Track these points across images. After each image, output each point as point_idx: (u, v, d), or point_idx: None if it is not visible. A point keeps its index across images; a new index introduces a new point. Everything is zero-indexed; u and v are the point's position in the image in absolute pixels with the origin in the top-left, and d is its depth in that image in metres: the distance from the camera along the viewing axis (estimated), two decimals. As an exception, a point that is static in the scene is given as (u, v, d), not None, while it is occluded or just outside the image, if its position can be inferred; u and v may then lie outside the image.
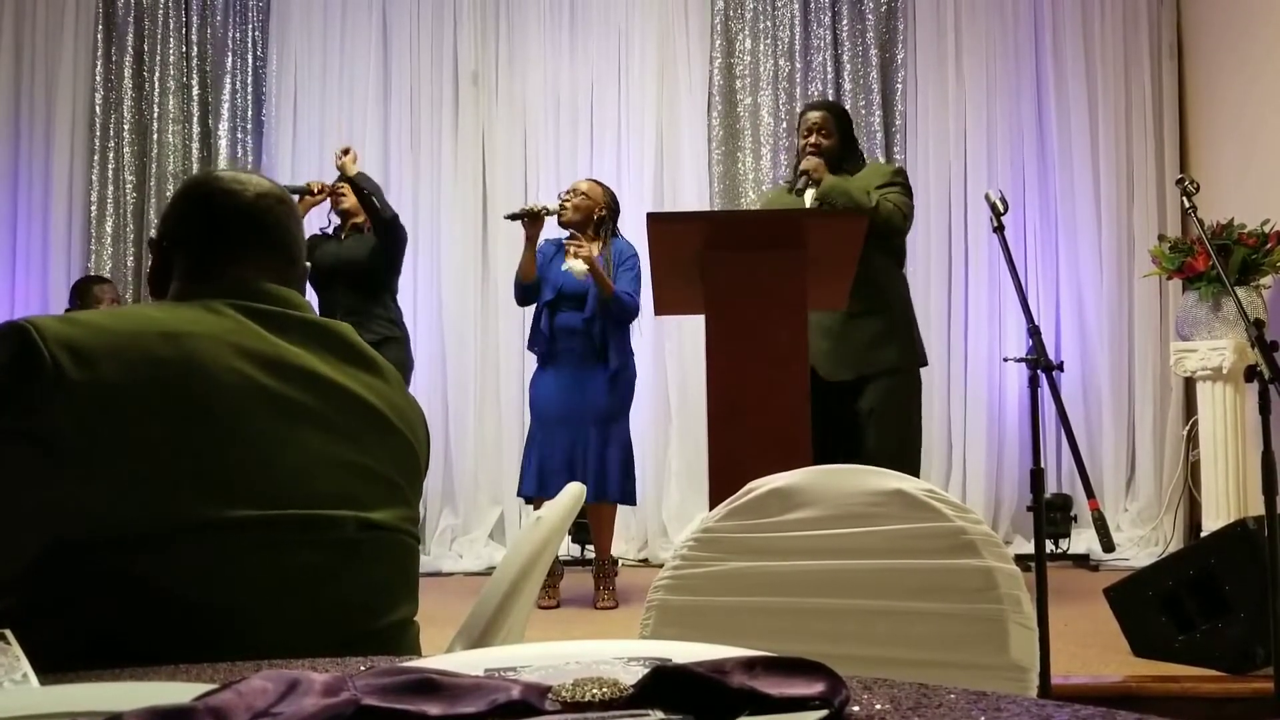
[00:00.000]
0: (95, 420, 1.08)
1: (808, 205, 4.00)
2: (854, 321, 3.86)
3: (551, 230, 4.67)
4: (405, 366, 4.59)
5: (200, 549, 1.09)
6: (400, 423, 1.28)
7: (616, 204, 4.71)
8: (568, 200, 4.59)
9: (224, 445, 1.13)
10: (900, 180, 4.07)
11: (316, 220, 4.77)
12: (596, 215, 4.57)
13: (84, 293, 5.29)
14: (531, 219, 4.52)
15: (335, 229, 4.65)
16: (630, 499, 4.55)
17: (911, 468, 4.00)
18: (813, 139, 4.08)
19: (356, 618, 1.18)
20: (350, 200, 4.58)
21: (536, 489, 4.37)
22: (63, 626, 1.08)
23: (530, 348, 4.64)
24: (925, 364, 4.20)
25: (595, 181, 4.75)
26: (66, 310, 5.27)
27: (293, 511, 1.14)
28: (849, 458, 3.99)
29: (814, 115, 4.15)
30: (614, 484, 4.42)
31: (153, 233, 1.46)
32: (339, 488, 1.18)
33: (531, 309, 4.68)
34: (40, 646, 0.87)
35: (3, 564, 1.11)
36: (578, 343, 4.44)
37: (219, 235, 1.31)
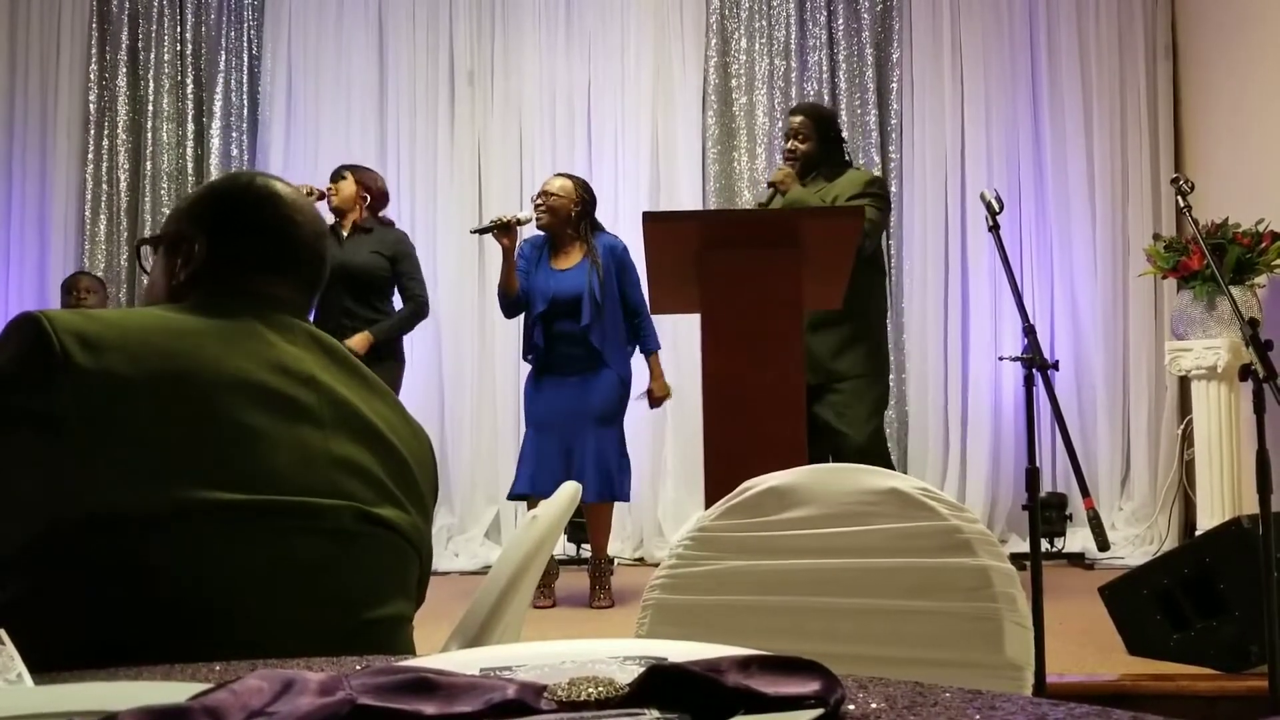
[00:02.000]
0: (99, 407, 1.10)
1: None
2: (817, 333, 3.87)
3: (530, 229, 4.63)
4: (398, 366, 4.57)
5: (196, 532, 1.11)
6: (399, 443, 1.28)
7: (592, 196, 4.60)
8: (540, 204, 4.50)
9: (223, 436, 1.14)
10: (874, 190, 4.03)
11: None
12: (573, 213, 4.48)
13: (69, 287, 5.30)
14: (502, 230, 4.37)
15: (335, 224, 4.59)
16: (625, 495, 4.55)
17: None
18: (789, 144, 4.11)
19: (349, 609, 1.19)
20: (338, 199, 4.55)
21: (531, 489, 4.35)
22: (60, 612, 1.09)
23: (525, 357, 4.61)
24: (888, 372, 4.25)
25: (565, 176, 4.62)
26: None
27: (290, 498, 1.15)
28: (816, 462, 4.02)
29: (793, 120, 4.17)
30: (616, 483, 4.42)
31: (157, 226, 1.40)
32: (336, 483, 1.20)
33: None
34: (37, 638, 0.87)
35: (2, 543, 1.12)
36: (576, 349, 4.40)
37: (266, 256, 1.31)
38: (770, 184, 3.99)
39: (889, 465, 4.10)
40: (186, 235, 1.33)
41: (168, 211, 1.38)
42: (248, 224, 1.33)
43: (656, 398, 4.59)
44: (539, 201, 4.52)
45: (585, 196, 4.54)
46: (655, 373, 4.58)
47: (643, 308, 4.45)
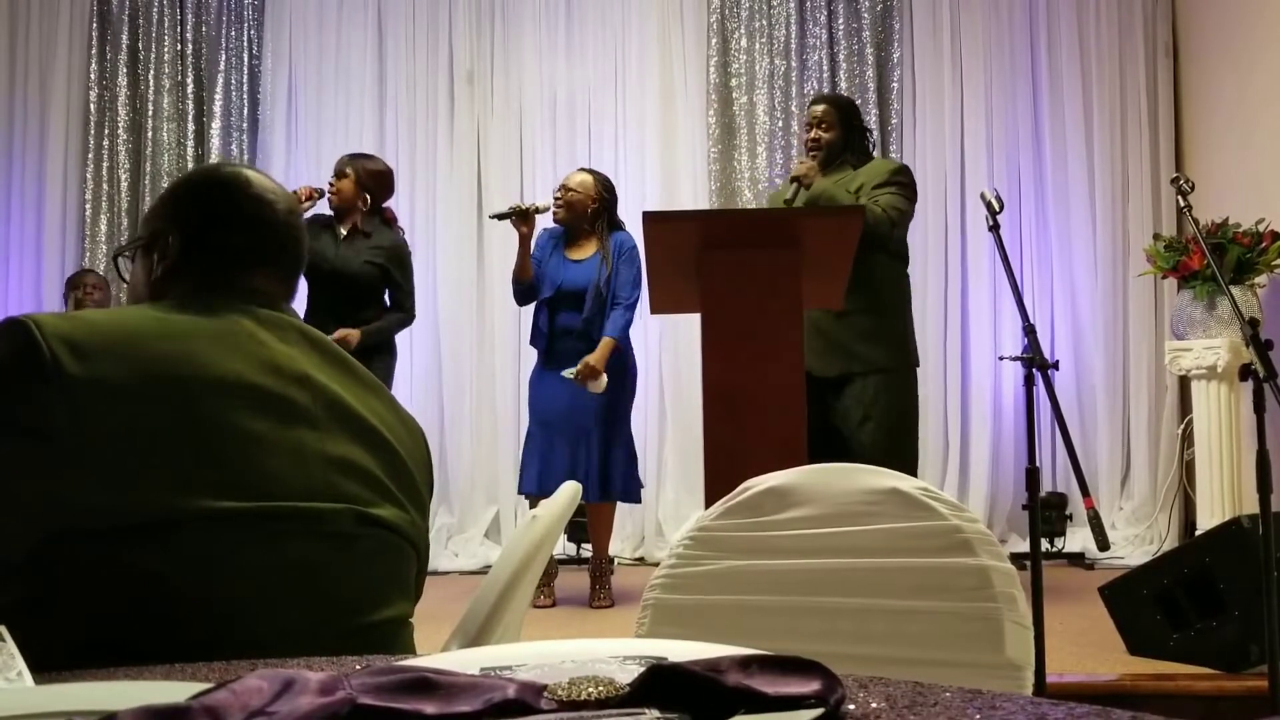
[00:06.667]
0: (91, 414, 1.09)
1: None
2: (845, 319, 3.80)
3: (547, 219, 4.63)
4: (390, 359, 4.54)
5: (194, 539, 1.10)
6: (394, 440, 1.27)
7: (613, 193, 4.60)
8: (559, 198, 4.53)
9: (218, 440, 1.13)
10: (899, 179, 3.96)
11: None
12: (590, 210, 4.50)
13: (75, 283, 5.36)
14: (520, 218, 4.42)
15: (331, 222, 4.53)
16: (635, 497, 4.55)
17: (905, 467, 3.91)
18: (812, 134, 4.04)
19: (350, 612, 1.18)
20: (338, 199, 4.46)
21: (537, 488, 4.34)
22: (60, 619, 1.09)
23: (532, 343, 4.63)
24: (917, 364, 4.09)
25: (588, 172, 4.63)
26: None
27: (288, 504, 1.15)
28: (835, 455, 3.96)
29: (816, 109, 4.09)
30: (618, 482, 4.41)
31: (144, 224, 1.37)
32: (334, 485, 1.19)
33: (530, 307, 4.66)
34: (38, 642, 0.87)
35: (2, 548, 1.11)
36: (577, 343, 4.40)
37: (243, 246, 1.30)
38: (793, 178, 3.87)
39: (912, 467, 3.98)
40: (160, 233, 1.31)
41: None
42: (219, 213, 1.31)
43: (587, 364, 4.27)
44: (558, 195, 4.54)
45: (605, 194, 4.55)
46: (599, 349, 4.32)
47: (623, 300, 4.41)
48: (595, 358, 4.30)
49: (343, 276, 4.36)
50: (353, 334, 4.30)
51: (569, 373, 4.30)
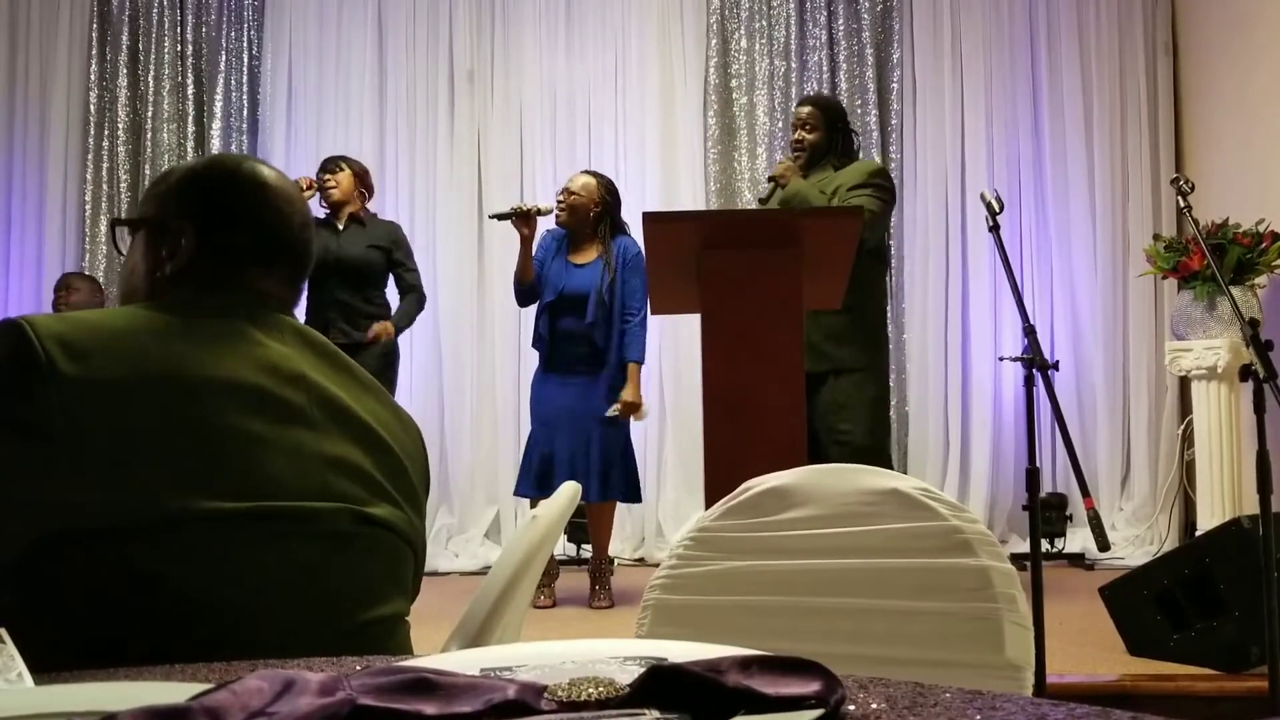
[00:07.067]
0: (87, 413, 1.09)
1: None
2: (815, 316, 3.77)
3: (549, 221, 4.63)
4: (393, 360, 4.58)
5: (192, 539, 1.10)
6: (390, 439, 1.27)
7: (616, 196, 4.58)
8: (562, 201, 4.53)
9: (214, 440, 1.13)
10: (875, 181, 3.96)
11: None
12: (593, 213, 4.49)
13: (58, 286, 5.39)
14: (521, 219, 4.41)
15: (328, 216, 4.60)
16: (636, 496, 4.55)
17: (880, 466, 3.95)
18: (796, 135, 4.11)
19: (347, 611, 1.18)
20: (339, 191, 4.55)
21: (538, 489, 4.34)
22: (60, 619, 1.09)
23: (534, 346, 4.63)
24: (888, 364, 4.15)
25: (591, 174, 4.61)
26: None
27: (285, 504, 1.14)
28: (809, 453, 3.95)
29: (801, 110, 4.16)
30: (619, 483, 4.41)
31: (139, 208, 1.34)
32: (331, 484, 1.19)
33: (531, 308, 4.66)
34: (38, 642, 0.87)
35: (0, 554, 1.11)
36: (579, 347, 4.40)
37: (253, 249, 1.29)
38: (770, 178, 3.97)
39: (888, 464, 4.04)
40: (172, 224, 1.28)
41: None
42: (238, 216, 1.29)
43: (626, 402, 4.36)
44: (560, 198, 4.53)
45: (607, 197, 4.53)
46: (630, 381, 4.38)
47: (635, 313, 4.42)
48: (631, 393, 4.36)
49: (346, 266, 4.46)
50: (390, 327, 4.45)
51: (612, 411, 4.34)
